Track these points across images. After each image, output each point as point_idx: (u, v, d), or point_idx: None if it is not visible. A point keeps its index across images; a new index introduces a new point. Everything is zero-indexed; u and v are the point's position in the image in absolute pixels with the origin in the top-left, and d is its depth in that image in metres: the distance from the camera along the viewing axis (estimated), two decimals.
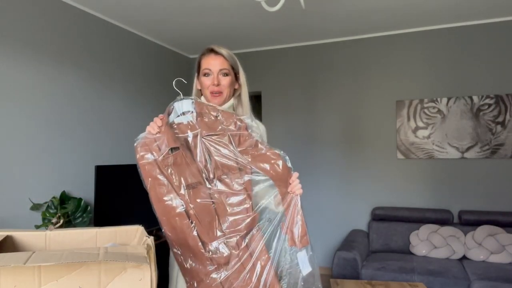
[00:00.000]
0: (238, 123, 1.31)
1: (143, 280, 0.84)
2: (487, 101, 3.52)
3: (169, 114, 1.33)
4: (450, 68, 3.68)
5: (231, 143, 1.28)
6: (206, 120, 1.31)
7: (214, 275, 1.24)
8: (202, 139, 1.29)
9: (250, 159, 1.28)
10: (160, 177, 1.25)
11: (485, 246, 3.16)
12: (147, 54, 3.92)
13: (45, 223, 2.62)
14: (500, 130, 3.47)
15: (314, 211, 4.07)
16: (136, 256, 0.83)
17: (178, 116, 1.32)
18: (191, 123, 1.31)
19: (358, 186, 3.96)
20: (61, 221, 2.63)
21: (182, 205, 1.25)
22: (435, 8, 3.26)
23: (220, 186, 1.27)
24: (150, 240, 0.95)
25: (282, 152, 1.29)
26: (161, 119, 1.31)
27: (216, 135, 1.29)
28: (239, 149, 1.29)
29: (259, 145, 1.30)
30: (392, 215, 3.62)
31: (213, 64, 1.45)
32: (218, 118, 1.32)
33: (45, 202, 2.71)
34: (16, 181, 2.60)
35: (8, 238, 1.05)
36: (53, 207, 2.70)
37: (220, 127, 1.30)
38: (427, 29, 3.75)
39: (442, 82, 3.70)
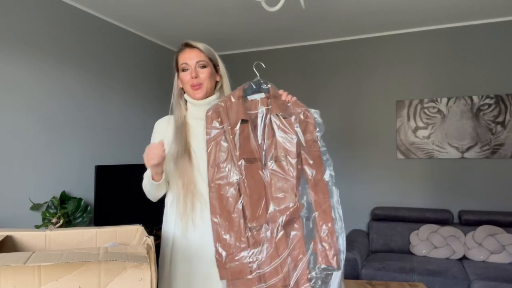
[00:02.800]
0: (308, 113, 1.35)
1: (143, 280, 0.84)
2: (487, 101, 3.52)
3: (244, 90, 1.36)
4: (450, 68, 3.68)
5: (298, 128, 1.30)
6: (278, 102, 1.34)
7: (244, 253, 1.23)
8: (271, 116, 1.31)
9: (305, 152, 1.31)
10: (224, 143, 1.27)
11: (485, 246, 3.16)
12: (147, 54, 3.92)
13: (45, 223, 2.62)
14: (500, 130, 3.47)
15: None
16: (136, 256, 0.83)
17: (252, 94, 1.36)
18: (263, 100, 1.34)
19: (358, 186, 3.96)
20: (61, 221, 2.63)
21: (237, 176, 1.26)
22: (435, 8, 3.26)
23: (274, 167, 1.28)
24: (150, 240, 0.95)
25: (329, 163, 1.33)
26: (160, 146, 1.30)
27: (285, 117, 1.30)
28: (304, 138, 1.32)
29: (318, 143, 1.34)
30: (392, 215, 3.61)
31: (189, 57, 1.42)
32: (289, 105, 1.36)
33: (45, 202, 2.71)
34: (16, 181, 2.60)
35: (8, 238, 1.05)
36: (53, 207, 2.70)
37: (289, 113, 1.33)
38: (427, 29, 3.75)
39: (442, 82, 3.70)
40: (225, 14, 3.33)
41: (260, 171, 1.28)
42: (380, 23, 3.63)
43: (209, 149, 1.28)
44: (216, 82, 1.50)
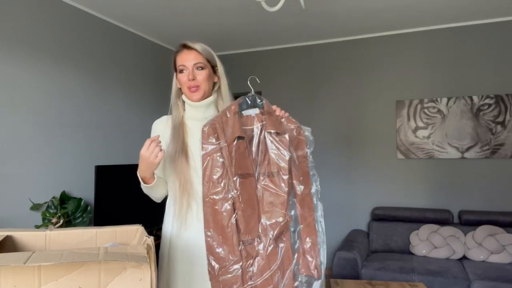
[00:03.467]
0: (300, 130, 1.40)
1: (143, 280, 0.84)
2: (487, 101, 3.52)
3: (239, 105, 1.38)
4: (450, 68, 3.68)
5: (290, 145, 1.34)
6: (272, 119, 1.38)
7: (237, 266, 1.26)
8: (266, 132, 1.35)
9: (296, 167, 1.35)
10: (219, 159, 1.30)
11: (485, 246, 3.16)
12: (147, 54, 3.92)
13: (45, 223, 2.62)
14: (500, 130, 3.47)
15: None
16: (136, 256, 0.83)
17: (247, 109, 1.38)
18: (258, 116, 1.37)
19: (358, 186, 3.96)
20: (61, 221, 2.63)
21: (231, 191, 1.29)
22: (435, 8, 3.26)
23: (267, 182, 1.32)
24: (150, 240, 0.95)
25: (315, 178, 1.39)
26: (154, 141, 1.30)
27: (278, 133, 1.34)
28: (295, 154, 1.36)
29: (307, 160, 1.39)
30: (392, 215, 3.61)
31: (186, 59, 1.41)
32: (282, 120, 1.40)
33: (45, 202, 2.71)
34: (16, 181, 2.60)
35: (8, 238, 1.05)
36: (53, 207, 2.70)
37: (283, 129, 1.37)
38: (427, 29, 3.75)
39: (442, 82, 3.70)
40: (225, 14, 3.33)
41: (253, 186, 1.32)
42: (380, 23, 3.63)
43: (204, 164, 1.30)
44: (214, 83, 1.50)
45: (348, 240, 3.45)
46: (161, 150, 1.29)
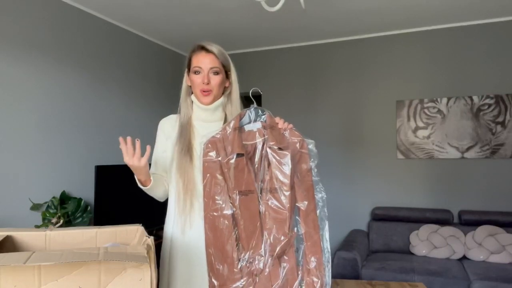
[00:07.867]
0: (303, 143, 1.38)
1: (143, 280, 0.84)
2: (487, 101, 3.52)
3: (240, 119, 1.37)
4: (450, 68, 3.68)
5: (293, 159, 1.31)
6: (275, 133, 1.35)
7: (238, 284, 1.25)
8: (267, 147, 1.32)
9: (299, 182, 1.32)
10: (219, 176, 1.29)
11: (485, 246, 3.16)
12: (147, 54, 3.92)
13: (45, 223, 2.62)
14: (500, 130, 3.47)
15: None
16: (136, 256, 0.83)
17: (249, 123, 1.37)
18: (259, 130, 1.35)
19: (358, 186, 3.96)
20: (61, 221, 2.63)
21: (231, 208, 1.27)
22: (435, 8, 3.26)
23: (269, 199, 1.30)
24: (150, 240, 0.95)
25: (320, 196, 1.36)
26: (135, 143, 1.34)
27: (281, 149, 1.31)
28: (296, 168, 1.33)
29: (311, 174, 1.37)
30: (392, 215, 3.61)
31: (203, 62, 1.43)
32: (285, 134, 1.37)
33: (45, 202, 2.71)
34: (16, 181, 2.60)
35: (8, 238, 1.05)
36: (53, 207, 2.70)
37: (286, 143, 1.35)
38: (427, 29, 3.75)
39: (442, 82, 3.70)
40: (225, 14, 3.33)
41: (256, 203, 1.30)
42: (380, 23, 3.63)
43: (204, 181, 1.30)
44: (225, 88, 1.50)
45: (348, 240, 3.45)
46: (136, 151, 1.32)
